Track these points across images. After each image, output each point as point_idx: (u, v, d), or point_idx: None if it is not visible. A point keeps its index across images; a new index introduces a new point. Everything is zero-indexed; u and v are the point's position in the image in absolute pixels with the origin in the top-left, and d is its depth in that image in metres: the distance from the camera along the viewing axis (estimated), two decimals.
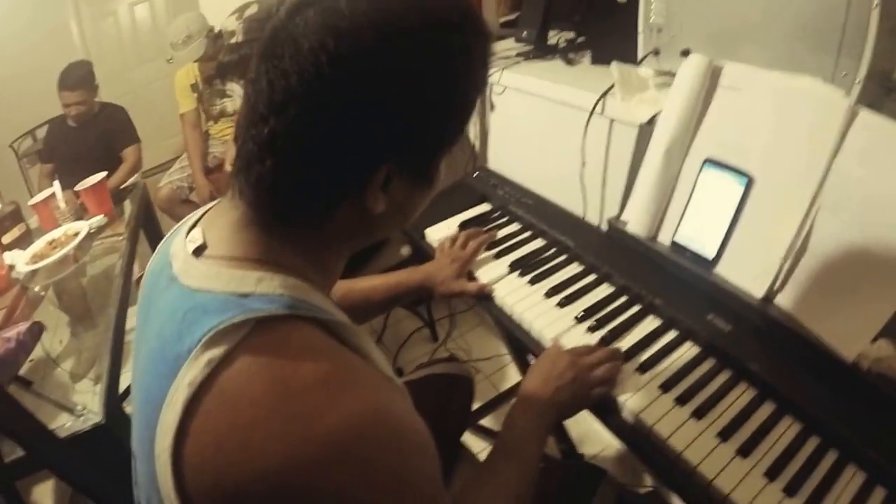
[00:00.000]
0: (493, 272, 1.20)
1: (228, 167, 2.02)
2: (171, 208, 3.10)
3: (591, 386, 0.91)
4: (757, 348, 0.94)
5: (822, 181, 0.92)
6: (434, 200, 1.46)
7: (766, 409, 0.89)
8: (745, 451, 0.83)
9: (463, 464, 1.17)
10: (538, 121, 1.58)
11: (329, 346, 0.56)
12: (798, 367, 0.91)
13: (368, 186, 0.59)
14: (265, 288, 0.56)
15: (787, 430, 0.86)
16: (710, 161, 1.05)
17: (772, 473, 0.80)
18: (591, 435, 1.91)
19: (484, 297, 1.16)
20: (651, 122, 1.15)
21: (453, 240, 1.25)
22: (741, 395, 0.91)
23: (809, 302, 0.94)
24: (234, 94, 2.99)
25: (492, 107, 1.73)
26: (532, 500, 0.81)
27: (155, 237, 2.41)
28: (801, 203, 0.94)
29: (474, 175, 1.51)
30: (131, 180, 2.77)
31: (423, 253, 1.38)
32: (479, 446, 1.80)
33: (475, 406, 1.81)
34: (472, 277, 1.20)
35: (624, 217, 1.18)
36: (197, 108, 3.09)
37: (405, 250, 2.11)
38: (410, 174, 0.62)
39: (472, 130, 1.85)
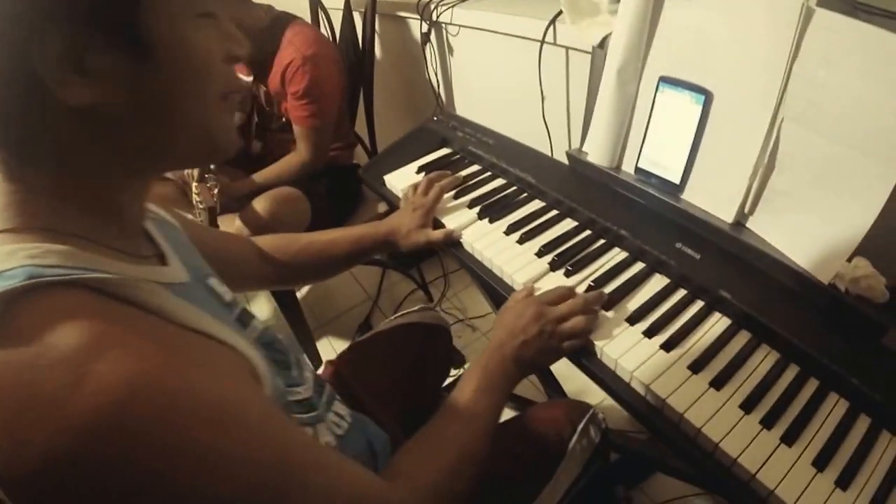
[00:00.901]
0: (455, 215, 1.09)
1: None
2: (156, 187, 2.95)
3: (561, 339, 0.80)
4: (730, 276, 0.84)
5: (782, 90, 0.81)
6: (393, 147, 1.40)
7: (741, 339, 0.79)
8: (718, 382, 0.73)
9: None
10: (497, 58, 1.47)
11: (89, 312, 0.43)
12: (773, 294, 0.82)
13: (48, 65, 0.44)
14: (3, 264, 0.43)
15: (763, 359, 0.77)
16: (665, 79, 0.94)
17: (748, 405, 0.71)
18: (590, 388, 1.83)
19: (452, 245, 1.05)
20: (603, 44, 1.04)
21: (415, 187, 1.13)
22: (714, 325, 0.81)
23: (780, 223, 0.84)
24: None
25: (450, 50, 1.61)
26: (487, 454, 0.72)
27: None
28: (764, 115, 0.83)
29: (434, 119, 1.39)
30: None
31: (392, 204, 1.26)
32: None
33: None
34: (439, 224, 1.09)
35: (585, 148, 1.07)
36: None
37: (382, 207, 1.99)
38: (108, 44, 0.45)
39: (434, 76, 1.73)
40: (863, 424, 0.70)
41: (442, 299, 2.34)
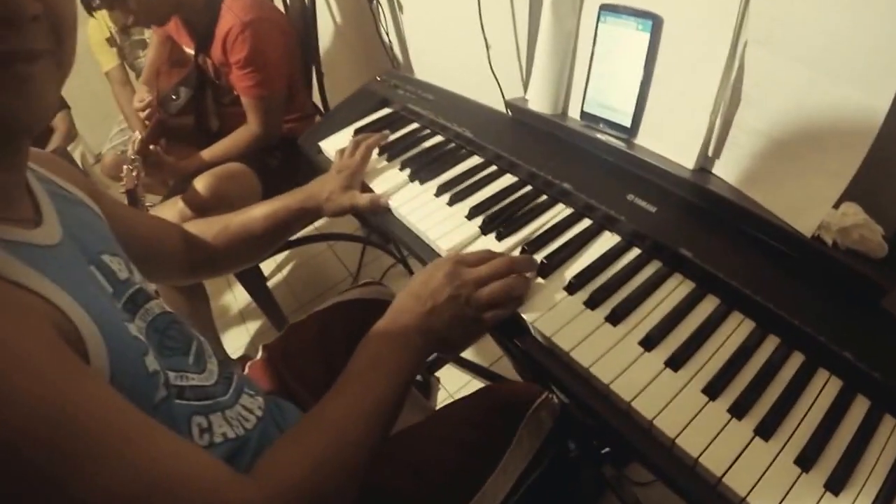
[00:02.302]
0: (384, 178, 0.91)
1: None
2: (118, 174, 2.75)
3: (479, 307, 0.63)
4: (692, 231, 0.67)
5: (743, 7, 0.64)
6: (333, 112, 1.22)
7: (706, 306, 0.62)
8: (676, 361, 0.56)
9: None
10: (443, 10, 1.28)
11: None
12: (746, 251, 0.64)
13: None
14: None
15: (735, 330, 0.60)
16: (606, 7, 0.76)
17: (713, 389, 0.54)
18: None
19: (379, 210, 0.88)
20: None
21: (342, 150, 0.96)
22: (674, 291, 0.64)
23: (751, 166, 0.67)
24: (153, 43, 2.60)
25: (399, 8, 1.42)
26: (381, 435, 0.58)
27: None
28: (723, 39, 0.66)
29: (377, 79, 1.20)
30: (54, 146, 2.44)
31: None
32: (462, 380, 1.58)
33: None
34: (367, 190, 0.91)
35: (526, 95, 0.89)
36: (121, 64, 2.68)
37: None
38: None
39: (387, 37, 1.55)
40: (860, 408, 0.53)
41: None
